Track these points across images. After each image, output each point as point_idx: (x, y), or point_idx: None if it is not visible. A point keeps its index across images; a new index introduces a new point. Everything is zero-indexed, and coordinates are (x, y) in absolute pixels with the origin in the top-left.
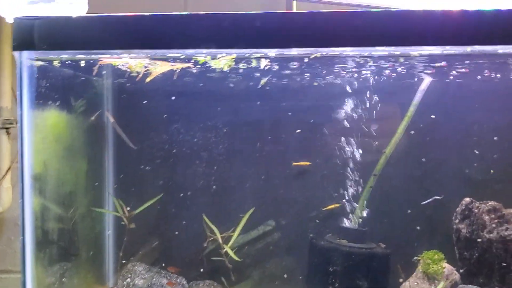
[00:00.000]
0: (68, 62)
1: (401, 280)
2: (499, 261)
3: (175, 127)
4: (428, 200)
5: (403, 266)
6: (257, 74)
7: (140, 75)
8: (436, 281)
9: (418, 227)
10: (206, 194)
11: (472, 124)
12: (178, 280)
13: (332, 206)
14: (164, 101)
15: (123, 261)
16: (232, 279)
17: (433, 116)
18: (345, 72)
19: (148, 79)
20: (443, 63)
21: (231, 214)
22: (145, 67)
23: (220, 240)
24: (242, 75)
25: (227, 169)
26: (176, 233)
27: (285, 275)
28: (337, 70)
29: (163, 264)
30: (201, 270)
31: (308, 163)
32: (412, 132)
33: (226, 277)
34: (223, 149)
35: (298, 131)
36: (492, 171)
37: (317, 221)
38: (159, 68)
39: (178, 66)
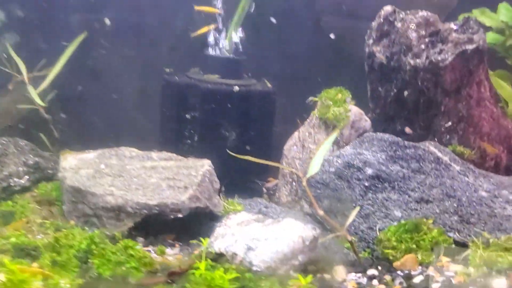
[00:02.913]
0: None
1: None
2: (427, 98)
3: None
4: None
5: (296, 111)
6: None
7: None
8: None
9: (318, 56)
10: None
11: None
12: None
13: (205, 29)
14: None
15: None
16: (55, 135)
17: None
18: None
19: None
20: None
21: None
22: None
23: (27, 81)
24: None
25: None
26: None
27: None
28: None
29: None
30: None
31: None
32: None
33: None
34: None
35: None
36: None
37: None
38: None
39: None
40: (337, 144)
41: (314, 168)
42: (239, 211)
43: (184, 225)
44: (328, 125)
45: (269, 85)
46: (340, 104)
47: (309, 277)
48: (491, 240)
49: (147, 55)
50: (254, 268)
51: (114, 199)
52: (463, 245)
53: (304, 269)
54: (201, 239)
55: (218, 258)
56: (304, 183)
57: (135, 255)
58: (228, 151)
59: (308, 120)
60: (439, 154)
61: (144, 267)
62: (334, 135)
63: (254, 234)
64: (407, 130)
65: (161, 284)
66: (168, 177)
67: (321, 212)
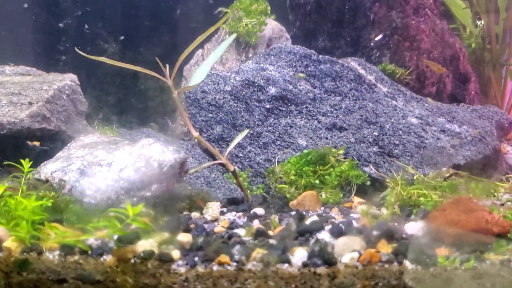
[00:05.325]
0: None
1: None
2: (353, 4)
3: None
4: None
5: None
6: None
7: None
8: (250, 48)
9: None
10: None
11: None
12: None
13: None
14: None
15: None
16: None
17: None
18: None
19: None
20: None
21: None
22: None
23: None
24: None
25: None
26: None
27: None
28: None
29: None
30: None
31: None
32: None
33: None
34: None
35: None
36: None
37: None
38: None
39: None
40: None
41: (196, 78)
42: None
43: (40, 154)
44: (240, 42)
45: None
46: (255, 16)
47: (139, 207)
48: (415, 177)
49: None
50: (87, 199)
51: None
52: (383, 183)
53: (166, 204)
54: (22, 161)
55: (39, 185)
56: (175, 94)
57: None
58: (77, 48)
59: (216, 35)
60: (362, 72)
61: None
62: (230, 39)
63: (97, 157)
64: None
65: None
66: (14, 92)
67: (195, 133)
